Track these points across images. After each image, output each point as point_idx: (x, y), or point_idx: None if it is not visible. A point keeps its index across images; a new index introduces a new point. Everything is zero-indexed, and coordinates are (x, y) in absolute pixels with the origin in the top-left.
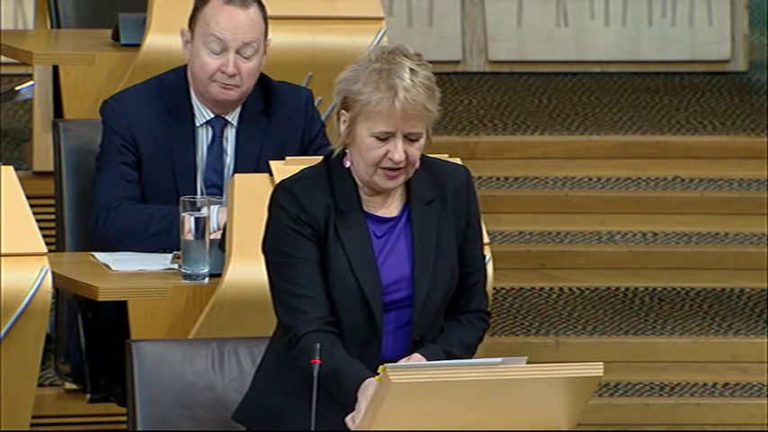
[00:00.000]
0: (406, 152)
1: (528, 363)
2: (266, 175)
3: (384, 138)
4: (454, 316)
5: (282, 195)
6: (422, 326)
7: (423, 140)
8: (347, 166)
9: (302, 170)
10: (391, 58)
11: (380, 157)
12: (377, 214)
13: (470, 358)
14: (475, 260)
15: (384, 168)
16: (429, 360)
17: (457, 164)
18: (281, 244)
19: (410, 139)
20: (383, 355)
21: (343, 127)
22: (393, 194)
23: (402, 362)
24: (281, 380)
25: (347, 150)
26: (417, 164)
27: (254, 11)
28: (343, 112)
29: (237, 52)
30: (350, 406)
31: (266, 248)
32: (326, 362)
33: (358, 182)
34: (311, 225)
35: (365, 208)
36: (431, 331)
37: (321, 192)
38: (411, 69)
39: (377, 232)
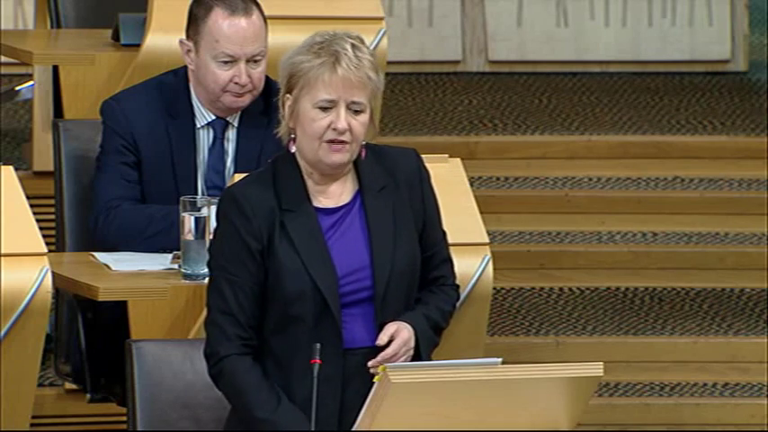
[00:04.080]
0: (349, 124)
1: (528, 363)
2: None
3: (327, 107)
4: (427, 288)
5: (226, 204)
6: (385, 313)
7: (366, 116)
8: (293, 150)
9: (250, 174)
10: (333, 34)
11: (324, 128)
12: (326, 207)
13: (446, 325)
14: (438, 239)
15: (328, 141)
16: (414, 327)
17: (405, 149)
18: (222, 258)
19: (353, 110)
20: (347, 345)
21: (287, 111)
22: (343, 182)
23: (391, 328)
24: None
25: (293, 136)
26: (363, 152)
27: (256, 17)
28: (287, 95)
29: (247, 61)
30: None
31: (210, 259)
32: (256, 407)
33: (304, 172)
34: (253, 234)
35: (314, 202)
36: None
37: (265, 194)
38: (353, 45)
39: (327, 224)
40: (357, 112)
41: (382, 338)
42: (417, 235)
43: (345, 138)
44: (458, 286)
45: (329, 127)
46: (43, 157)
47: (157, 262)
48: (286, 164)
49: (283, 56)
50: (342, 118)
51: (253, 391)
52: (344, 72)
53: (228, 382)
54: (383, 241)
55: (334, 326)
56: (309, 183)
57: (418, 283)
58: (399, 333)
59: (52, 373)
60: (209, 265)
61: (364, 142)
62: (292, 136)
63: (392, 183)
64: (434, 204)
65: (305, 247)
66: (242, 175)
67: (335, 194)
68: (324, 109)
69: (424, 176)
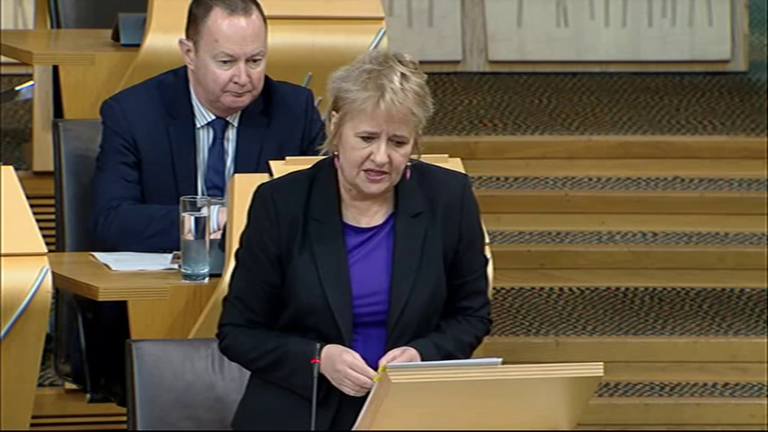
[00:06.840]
0: (389, 156)
1: (528, 363)
2: (266, 175)
3: (368, 138)
4: (453, 316)
5: (257, 202)
6: (397, 340)
7: (409, 147)
8: (337, 166)
9: (289, 173)
10: (384, 61)
11: (363, 158)
12: (356, 225)
13: (465, 357)
14: (473, 269)
15: (367, 170)
16: (420, 353)
17: (457, 173)
18: (245, 250)
19: (395, 142)
20: None
21: (332, 127)
22: (380, 203)
23: (395, 352)
24: (266, 387)
25: (336, 153)
26: (408, 173)
27: (255, 16)
28: (333, 112)
29: (246, 61)
30: (301, 384)
31: (237, 251)
32: (262, 354)
33: (343, 186)
34: (273, 239)
35: (345, 218)
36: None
37: (296, 200)
38: (402, 74)
39: (354, 242)
40: (399, 144)
41: (383, 363)
42: (446, 265)
43: (385, 169)
44: (490, 321)
45: (368, 158)
46: (43, 157)
47: (157, 262)
48: (327, 173)
49: (335, 72)
50: (382, 151)
51: (259, 345)
52: (388, 106)
53: (235, 345)
54: (406, 269)
55: (341, 344)
56: (346, 197)
57: (439, 313)
58: (405, 353)
59: (52, 373)
60: (235, 255)
61: (410, 163)
62: (336, 153)
63: (429, 209)
64: (474, 233)
65: (324, 262)
66: (242, 175)
67: (370, 213)
68: (365, 139)
69: (466, 204)
